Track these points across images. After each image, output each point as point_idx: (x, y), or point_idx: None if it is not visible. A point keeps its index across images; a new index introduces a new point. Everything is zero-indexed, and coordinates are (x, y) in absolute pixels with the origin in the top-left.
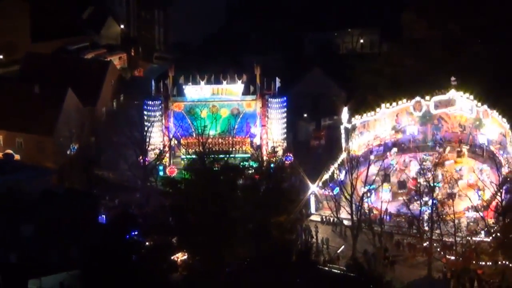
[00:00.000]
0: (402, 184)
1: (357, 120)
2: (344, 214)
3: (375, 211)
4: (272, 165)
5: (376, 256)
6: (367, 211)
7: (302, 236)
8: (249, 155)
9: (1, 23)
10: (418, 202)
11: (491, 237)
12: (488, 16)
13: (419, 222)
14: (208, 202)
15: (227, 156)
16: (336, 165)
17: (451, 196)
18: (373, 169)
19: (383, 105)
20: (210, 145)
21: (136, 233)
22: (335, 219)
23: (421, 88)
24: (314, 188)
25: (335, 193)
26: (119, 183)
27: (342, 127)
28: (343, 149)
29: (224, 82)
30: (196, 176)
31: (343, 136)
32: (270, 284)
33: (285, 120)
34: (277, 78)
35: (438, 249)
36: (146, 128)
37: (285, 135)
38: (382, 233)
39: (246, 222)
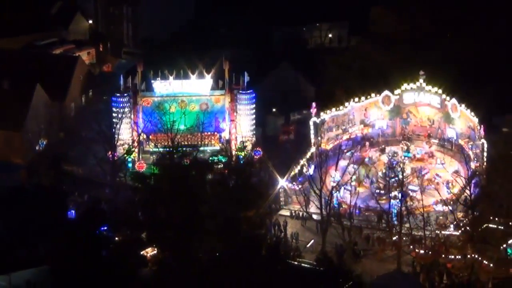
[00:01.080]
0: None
1: (326, 114)
2: (313, 208)
3: (344, 205)
4: (241, 160)
5: (345, 249)
6: (336, 205)
7: (271, 230)
8: (218, 148)
9: None
10: (387, 196)
11: (460, 231)
12: (457, 10)
13: (388, 216)
14: (177, 197)
15: (196, 149)
16: (305, 159)
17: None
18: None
19: (351, 100)
20: (179, 141)
21: (105, 228)
22: (305, 214)
23: (390, 82)
24: (283, 182)
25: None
26: (88, 179)
27: (311, 121)
28: (312, 143)
29: (193, 77)
30: (165, 171)
31: (312, 130)
32: (240, 278)
33: (254, 114)
34: (245, 73)
35: (407, 243)
36: (114, 123)
37: (254, 130)
38: (352, 227)
39: (216, 217)
